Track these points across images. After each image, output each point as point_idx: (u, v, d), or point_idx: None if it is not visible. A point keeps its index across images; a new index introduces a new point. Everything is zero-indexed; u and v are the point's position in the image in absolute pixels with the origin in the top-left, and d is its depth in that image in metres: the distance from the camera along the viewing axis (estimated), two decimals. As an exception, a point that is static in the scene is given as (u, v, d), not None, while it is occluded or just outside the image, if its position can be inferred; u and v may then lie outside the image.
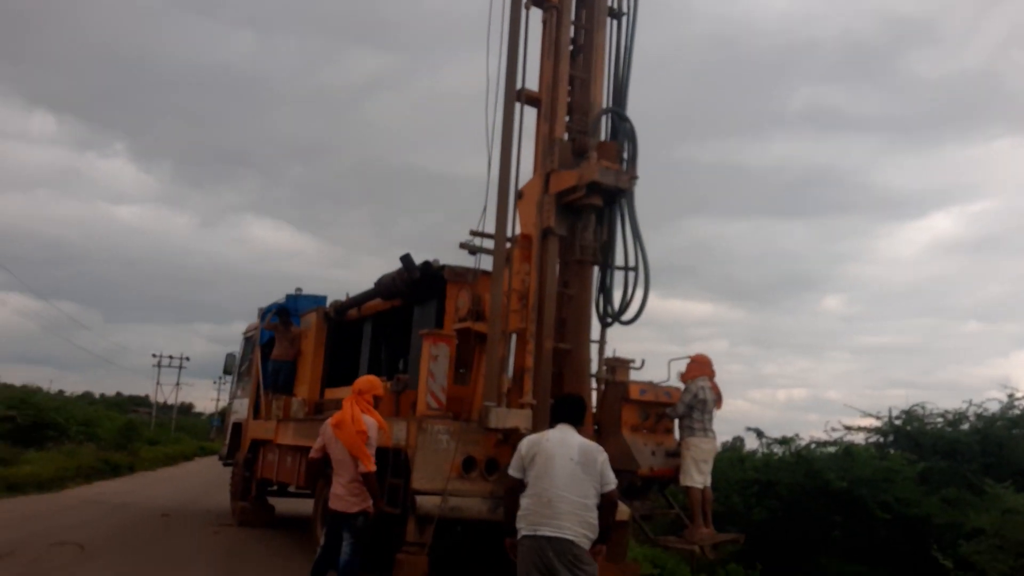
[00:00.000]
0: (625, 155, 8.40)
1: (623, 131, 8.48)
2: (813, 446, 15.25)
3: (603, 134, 8.56)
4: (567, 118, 8.56)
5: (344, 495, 6.05)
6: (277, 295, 14.32)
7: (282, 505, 13.89)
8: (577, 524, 4.70)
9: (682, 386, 8.40)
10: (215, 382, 19.30)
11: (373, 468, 6.03)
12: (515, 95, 8.13)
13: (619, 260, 8.48)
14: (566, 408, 5.24)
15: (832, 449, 15.15)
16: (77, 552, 9.19)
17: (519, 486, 4.94)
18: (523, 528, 4.80)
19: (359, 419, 6.07)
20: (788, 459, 14.38)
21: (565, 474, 4.79)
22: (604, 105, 8.64)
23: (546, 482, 4.79)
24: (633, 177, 8.21)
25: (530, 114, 8.52)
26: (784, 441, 15.23)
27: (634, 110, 8.76)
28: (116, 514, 13.55)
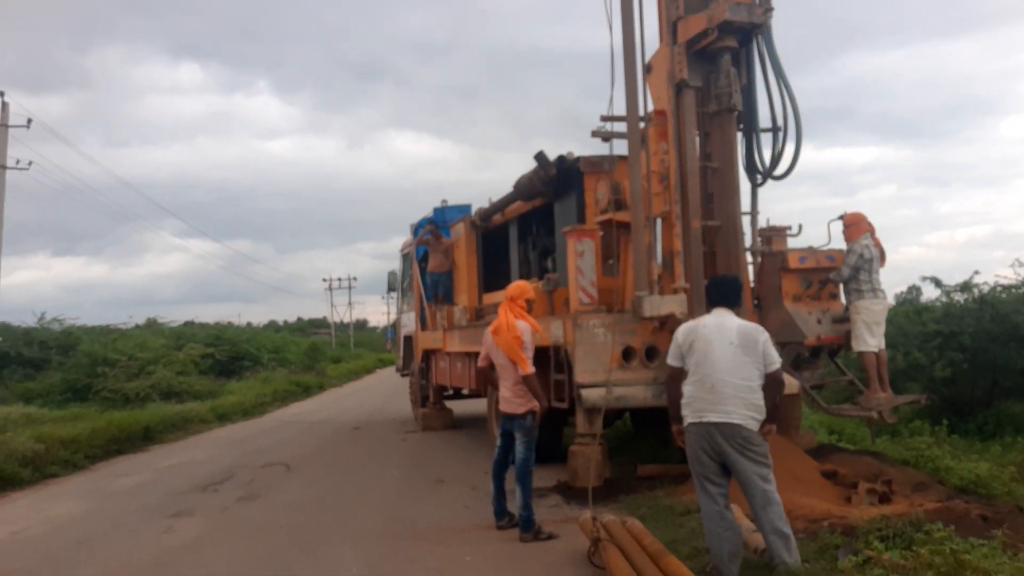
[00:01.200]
0: None
1: None
2: (999, 289, 14.13)
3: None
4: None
5: (511, 397, 6.26)
6: (426, 207, 14.66)
7: (459, 407, 14.67)
8: (743, 407, 4.63)
9: (844, 246, 7.95)
10: (383, 297, 20.59)
11: (531, 370, 6.17)
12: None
13: (764, 110, 8.00)
14: (720, 290, 5.09)
15: (1021, 290, 13.99)
16: (284, 471, 10.17)
17: (680, 374, 4.90)
18: (689, 415, 4.79)
19: (513, 325, 6.19)
20: (971, 305, 13.43)
21: (726, 358, 4.69)
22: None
23: (707, 368, 4.72)
24: (768, 9, 7.60)
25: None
26: (966, 287, 14.16)
27: None
28: (313, 432, 14.82)
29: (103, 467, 11.31)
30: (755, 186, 8.26)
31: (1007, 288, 14.07)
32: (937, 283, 14.60)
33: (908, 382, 13.10)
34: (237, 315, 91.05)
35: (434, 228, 13.43)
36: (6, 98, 21.09)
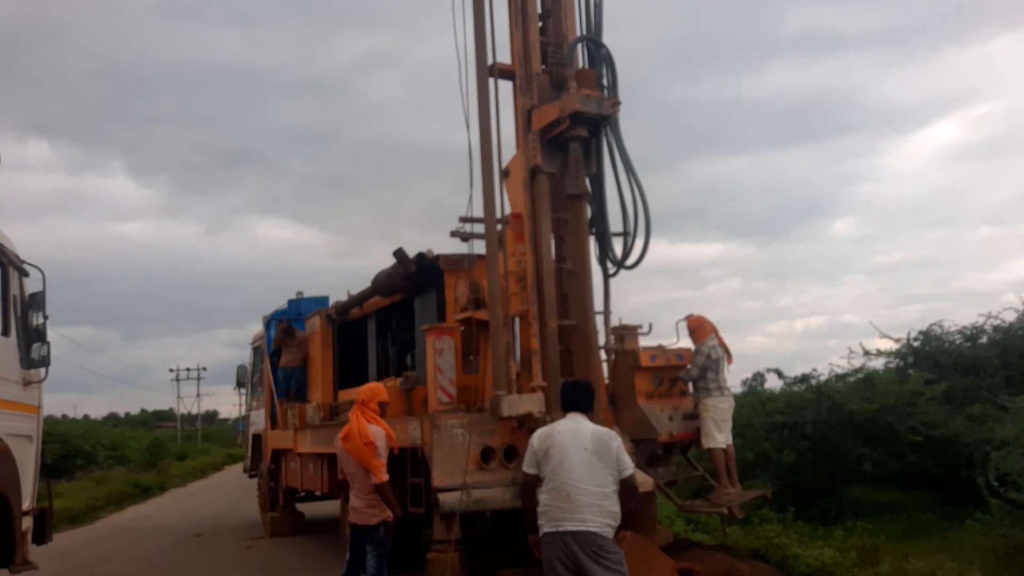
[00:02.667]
0: (605, 82, 8.20)
1: (600, 58, 8.27)
2: (834, 379, 15.15)
3: (580, 63, 8.31)
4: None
5: (362, 508, 5.98)
6: (289, 293, 14.19)
7: (312, 509, 13.92)
8: (599, 515, 4.61)
9: (692, 345, 8.29)
10: (235, 388, 19.46)
11: (385, 478, 5.95)
12: (487, 70, 7.89)
13: (614, 200, 8.30)
14: (574, 395, 5.12)
15: (853, 379, 15.05)
16: (113, 588, 9.22)
17: (535, 481, 4.85)
18: (545, 525, 4.72)
19: (365, 430, 5.97)
20: (809, 396, 14.28)
21: (581, 465, 4.68)
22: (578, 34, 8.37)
23: (563, 475, 4.69)
24: (616, 103, 8.02)
25: (506, 87, 8.31)
26: (804, 379, 15.12)
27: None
28: (149, 540, 13.61)
29: None
30: (607, 276, 8.49)
31: (841, 377, 15.10)
32: (779, 374, 15.50)
33: (757, 470, 13.65)
34: (73, 407, 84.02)
35: (286, 323, 12.99)
36: None
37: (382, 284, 10.15)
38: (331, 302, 12.70)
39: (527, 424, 7.36)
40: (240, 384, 17.33)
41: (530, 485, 4.87)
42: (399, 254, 9.44)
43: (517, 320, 7.95)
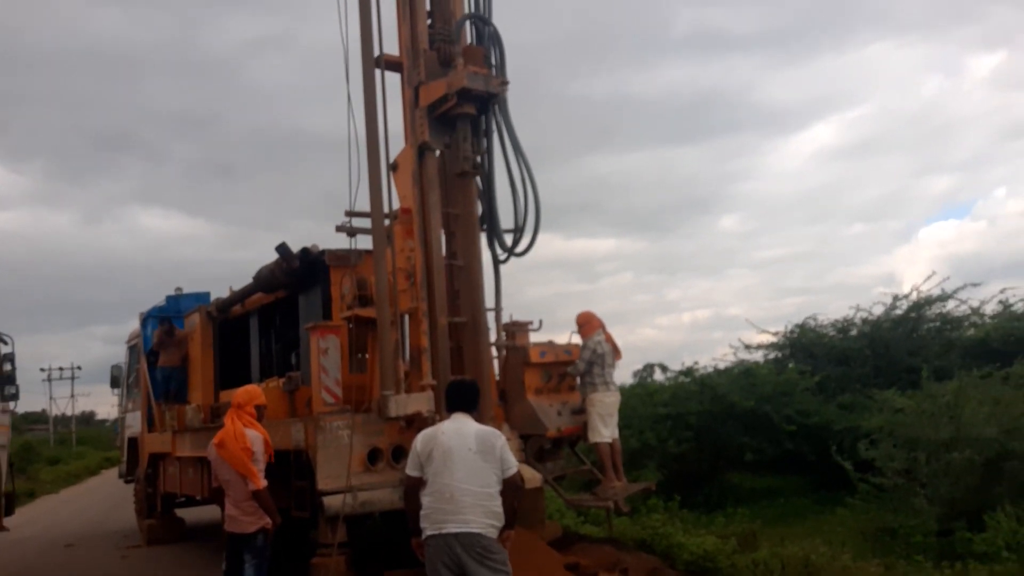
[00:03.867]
0: (493, 61, 8.14)
1: (488, 36, 8.20)
2: (715, 371, 15.72)
3: (468, 41, 8.22)
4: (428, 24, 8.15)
5: (239, 516, 5.74)
6: (172, 287, 13.52)
7: (192, 515, 13.35)
8: (482, 515, 4.57)
9: (580, 341, 8.37)
10: (110, 389, 18.48)
11: (263, 485, 5.72)
12: (374, 62, 7.69)
13: (504, 189, 8.24)
14: (459, 395, 5.05)
15: (735, 371, 15.66)
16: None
17: (418, 483, 4.77)
18: (428, 528, 4.64)
19: (242, 435, 5.73)
20: (693, 388, 14.76)
21: (464, 466, 4.63)
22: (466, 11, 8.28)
23: (446, 477, 4.63)
24: (504, 82, 7.96)
25: (394, 79, 8.13)
26: (687, 372, 15.62)
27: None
28: (14, 551, 12.70)
29: None
30: (497, 263, 8.46)
31: (723, 372, 15.69)
32: (664, 368, 15.96)
33: (644, 459, 14.00)
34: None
35: (168, 322, 12.38)
36: None
37: (264, 280, 9.79)
38: (212, 298, 12.18)
39: (416, 424, 7.23)
40: (115, 385, 16.44)
41: (413, 488, 4.79)
42: (282, 249, 9.13)
43: (407, 318, 7.81)
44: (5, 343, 11.20)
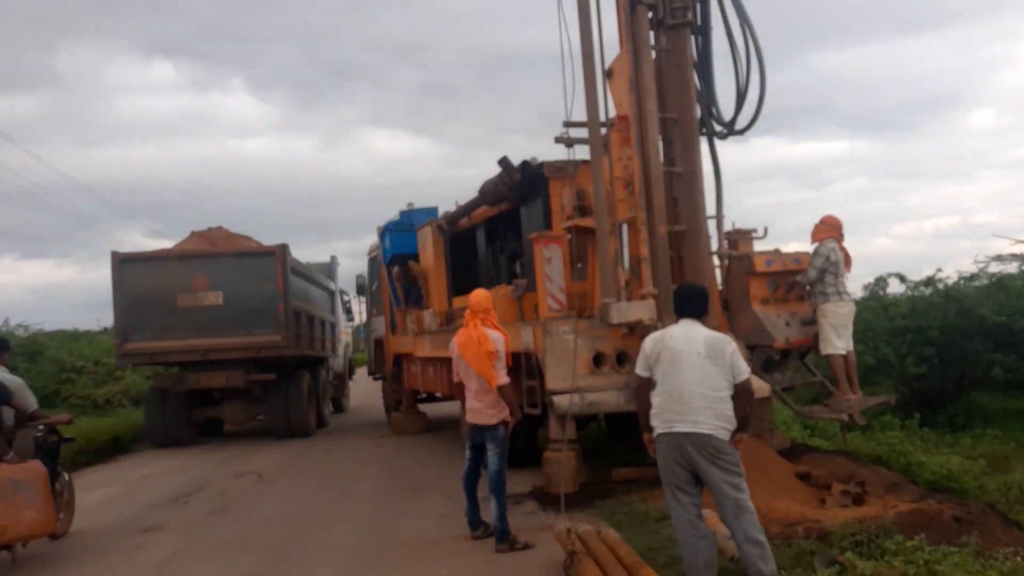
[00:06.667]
0: None
1: None
2: (962, 282, 14.33)
3: None
4: None
5: (481, 408, 6.19)
6: (401, 204, 14.50)
7: (433, 410, 14.61)
8: (712, 417, 4.63)
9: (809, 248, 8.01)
10: (355, 296, 20.72)
11: (506, 381, 6.13)
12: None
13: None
14: (687, 301, 5.08)
15: (984, 282, 14.20)
16: (256, 480, 10.06)
17: (647, 384, 4.90)
18: (658, 426, 4.79)
19: (484, 337, 6.11)
20: (936, 300, 13.61)
21: (694, 370, 4.69)
22: None
23: (675, 379, 4.72)
24: None
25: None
26: (929, 282, 14.35)
27: None
28: (285, 440, 14.69)
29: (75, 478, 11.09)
30: (712, 136, 8.25)
31: (970, 280, 14.27)
32: (901, 279, 14.78)
33: (879, 376, 13.27)
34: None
35: (403, 262, 13.53)
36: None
37: (489, 193, 10.24)
38: (440, 212, 12.94)
39: (637, 331, 7.39)
40: (361, 292, 18.18)
41: (642, 387, 4.94)
42: (504, 162, 9.47)
43: (625, 227, 7.87)
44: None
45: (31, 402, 6.98)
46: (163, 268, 13.49)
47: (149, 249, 14.95)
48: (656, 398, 4.82)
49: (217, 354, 13.23)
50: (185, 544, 6.99)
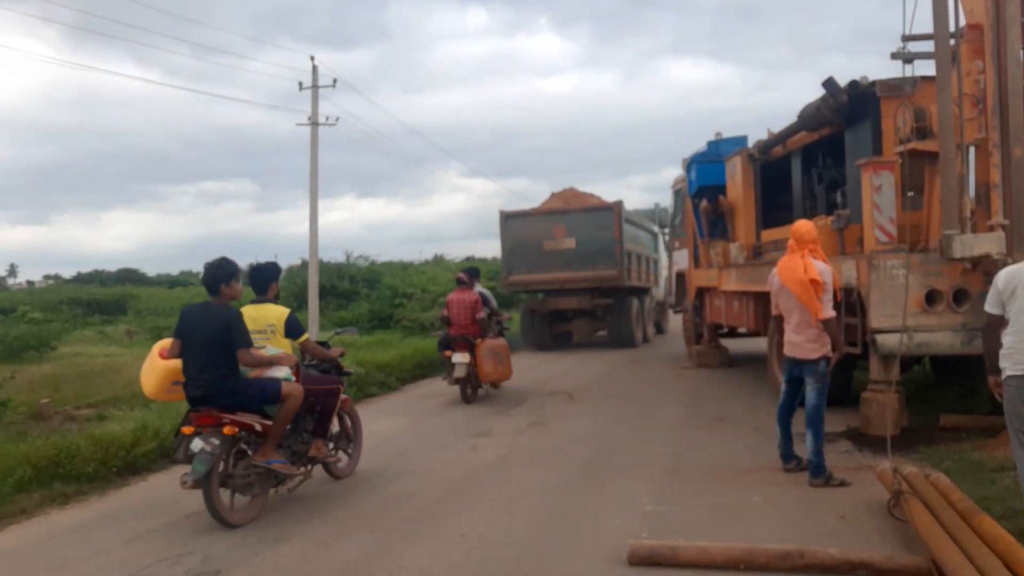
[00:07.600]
0: None
1: None
2: None
3: None
4: None
5: (801, 342, 6.02)
6: (700, 136, 14.48)
7: (734, 345, 14.45)
8: (1074, 360, 4.14)
9: None
10: (659, 229, 21.76)
11: (832, 315, 5.90)
12: None
13: None
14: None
15: None
16: (567, 400, 10.80)
17: (998, 322, 4.48)
18: (1008, 367, 4.38)
19: (811, 268, 5.89)
20: None
21: (1055, 308, 4.20)
22: None
23: (1032, 318, 4.27)
24: None
25: None
26: None
27: None
28: (590, 362, 15.46)
29: (410, 389, 12.76)
30: None
31: None
32: None
33: None
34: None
35: (703, 198, 13.31)
36: (315, 61, 23.72)
37: (809, 118, 9.69)
38: (750, 142, 12.50)
39: (982, 266, 6.71)
40: (662, 226, 18.40)
41: (993, 325, 4.53)
42: (829, 84, 8.88)
43: (972, 150, 7.08)
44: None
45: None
46: (533, 221, 18.43)
47: (519, 208, 20.03)
48: (1007, 338, 4.41)
49: (571, 284, 17.73)
50: (510, 450, 7.75)
